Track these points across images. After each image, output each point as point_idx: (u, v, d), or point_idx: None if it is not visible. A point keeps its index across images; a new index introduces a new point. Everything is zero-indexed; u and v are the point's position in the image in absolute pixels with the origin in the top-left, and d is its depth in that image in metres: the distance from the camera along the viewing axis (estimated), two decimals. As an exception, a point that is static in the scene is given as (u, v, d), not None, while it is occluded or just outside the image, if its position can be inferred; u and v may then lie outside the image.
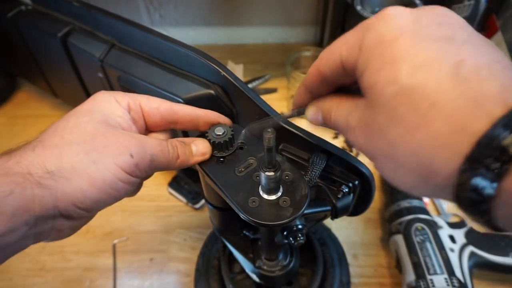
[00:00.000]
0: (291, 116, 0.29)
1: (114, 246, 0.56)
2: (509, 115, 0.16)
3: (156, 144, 0.28)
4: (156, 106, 0.31)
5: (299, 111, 0.29)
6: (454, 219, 0.57)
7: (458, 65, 0.18)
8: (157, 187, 0.63)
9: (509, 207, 0.16)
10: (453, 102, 0.17)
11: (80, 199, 0.24)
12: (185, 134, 0.47)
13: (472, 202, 0.17)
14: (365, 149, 0.22)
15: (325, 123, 0.26)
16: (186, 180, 0.62)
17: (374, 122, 0.21)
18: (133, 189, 0.28)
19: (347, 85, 0.25)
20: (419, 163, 0.19)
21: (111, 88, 0.52)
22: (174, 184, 0.62)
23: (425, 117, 0.18)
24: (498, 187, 0.16)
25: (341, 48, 0.22)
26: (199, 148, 0.31)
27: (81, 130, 0.26)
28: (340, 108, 0.24)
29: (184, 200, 0.61)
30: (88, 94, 0.59)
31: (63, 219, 0.25)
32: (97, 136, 0.26)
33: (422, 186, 0.19)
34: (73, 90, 0.60)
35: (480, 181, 0.16)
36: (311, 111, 0.27)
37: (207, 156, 0.31)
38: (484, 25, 0.69)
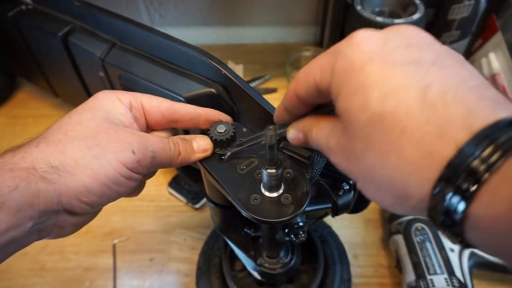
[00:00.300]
0: (279, 134, 0.29)
1: (114, 246, 0.56)
2: (474, 140, 0.16)
3: (158, 141, 0.28)
4: (157, 105, 0.31)
5: (282, 127, 0.28)
6: (454, 219, 0.57)
7: (425, 90, 0.18)
8: (157, 187, 0.63)
9: (479, 229, 0.16)
10: (421, 128, 0.18)
11: (83, 193, 0.24)
12: (186, 132, 0.47)
13: (445, 224, 0.18)
14: (347, 171, 0.23)
15: (307, 143, 0.26)
16: (186, 180, 0.62)
17: (351, 147, 0.21)
18: (135, 185, 0.28)
19: (324, 104, 0.25)
20: (394, 187, 0.19)
21: (112, 87, 0.52)
22: (174, 184, 0.62)
23: (397, 143, 0.18)
24: (467, 211, 0.16)
25: (315, 71, 0.23)
26: (201, 145, 0.31)
27: (83, 127, 0.26)
28: (319, 129, 0.25)
29: (184, 200, 0.61)
30: (88, 93, 0.59)
31: (66, 215, 0.25)
32: (99, 133, 0.26)
33: (400, 207, 0.20)
34: (73, 90, 0.61)
35: (450, 205, 0.17)
36: (291, 132, 0.27)
37: (208, 153, 0.31)
38: (484, 25, 0.69)
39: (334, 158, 0.24)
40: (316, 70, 0.23)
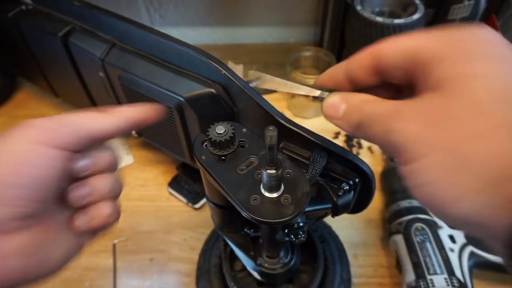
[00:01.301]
0: (320, 92, 0.26)
1: (114, 246, 0.56)
2: None
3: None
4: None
5: (322, 90, 0.26)
6: (454, 219, 0.57)
7: None
8: (157, 187, 0.63)
9: None
10: None
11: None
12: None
13: None
14: (416, 137, 0.19)
15: (345, 117, 0.23)
16: (186, 180, 0.62)
17: (449, 112, 0.18)
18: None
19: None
20: (492, 168, 0.16)
21: (112, 87, 0.52)
22: (174, 184, 0.62)
23: None
24: None
25: (418, 39, 0.20)
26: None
27: None
28: (380, 102, 0.22)
29: (184, 200, 0.61)
30: (88, 93, 0.59)
31: None
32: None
33: (472, 201, 0.16)
34: (73, 90, 0.61)
35: None
36: (334, 98, 0.24)
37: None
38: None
39: (403, 121, 0.19)
40: (419, 37, 0.21)
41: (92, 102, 0.61)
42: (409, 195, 0.55)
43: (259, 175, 0.29)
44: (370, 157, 0.68)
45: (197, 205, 0.60)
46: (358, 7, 0.60)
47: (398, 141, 0.19)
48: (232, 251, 0.45)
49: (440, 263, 0.46)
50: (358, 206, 0.35)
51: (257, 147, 0.32)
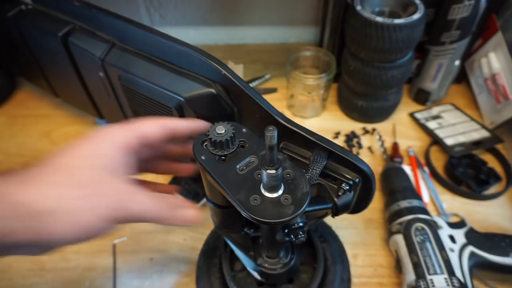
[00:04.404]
0: None
1: (114, 246, 0.56)
2: None
3: (146, 201, 0.29)
4: (155, 130, 0.32)
5: None
6: (454, 219, 0.57)
7: None
8: (157, 186, 0.63)
9: None
10: None
11: (61, 239, 0.26)
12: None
13: None
14: None
15: None
16: (186, 180, 0.62)
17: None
18: (112, 231, 0.29)
19: None
20: None
21: (112, 87, 0.52)
22: (174, 184, 0.62)
23: None
24: None
25: None
26: (189, 215, 0.32)
27: (81, 173, 0.27)
28: None
29: (184, 200, 0.61)
30: (89, 93, 0.59)
31: (38, 249, 0.27)
32: (92, 183, 0.27)
33: None
34: (73, 90, 0.61)
35: None
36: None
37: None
38: (484, 25, 0.69)
39: None
40: None
41: (92, 102, 0.61)
42: (409, 195, 0.55)
43: (259, 175, 0.29)
44: (370, 157, 0.68)
45: (197, 205, 0.60)
46: (358, 7, 0.60)
47: None
48: (232, 251, 0.45)
49: (440, 263, 0.46)
50: (358, 206, 0.35)
51: (257, 147, 0.32)
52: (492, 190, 0.61)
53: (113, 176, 0.28)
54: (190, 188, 0.61)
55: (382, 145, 0.68)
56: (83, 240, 0.27)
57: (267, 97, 0.77)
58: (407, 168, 0.63)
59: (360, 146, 0.69)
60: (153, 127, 0.32)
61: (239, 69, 0.85)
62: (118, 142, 0.30)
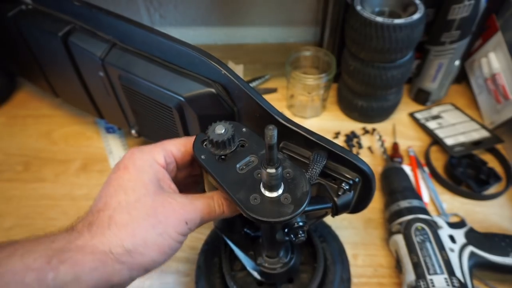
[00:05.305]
0: None
1: (114, 245, 0.56)
2: None
3: (205, 206, 0.32)
4: (183, 149, 0.34)
5: None
6: (454, 219, 0.57)
7: None
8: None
9: None
10: None
11: (151, 265, 0.29)
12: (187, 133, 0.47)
13: None
14: None
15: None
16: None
17: None
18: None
19: None
20: None
21: (112, 87, 0.52)
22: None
23: None
24: None
25: None
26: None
27: (142, 205, 0.29)
28: None
29: (184, 199, 0.60)
30: (89, 93, 0.59)
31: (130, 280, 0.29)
32: (157, 208, 0.29)
33: None
34: (74, 90, 0.60)
35: None
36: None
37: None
38: (484, 25, 0.69)
39: None
40: None
41: (92, 102, 0.61)
42: (409, 195, 0.55)
43: (259, 175, 0.30)
44: (370, 157, 0.68)
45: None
46: (358, 7, 0.60)
47: None
48: (232, 251, 0.45)
49: (440, 263, 0.46)
50: (358, 206, 0.35)
51: (257, 147, 0.32)
52: (492, 190, 0.61)
53: (166, 194, 0.31)
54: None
55: (382, 145, 0.68)
56: (169, 258, 0.30)
57: (267, 97, 0.77)
58: (407, 168, 0.63)
59: (360, 146, 0.69)
60: (176, 145, 0.34)
61: (239, 69, 0.85)
62: (156, 159, 0.32)
